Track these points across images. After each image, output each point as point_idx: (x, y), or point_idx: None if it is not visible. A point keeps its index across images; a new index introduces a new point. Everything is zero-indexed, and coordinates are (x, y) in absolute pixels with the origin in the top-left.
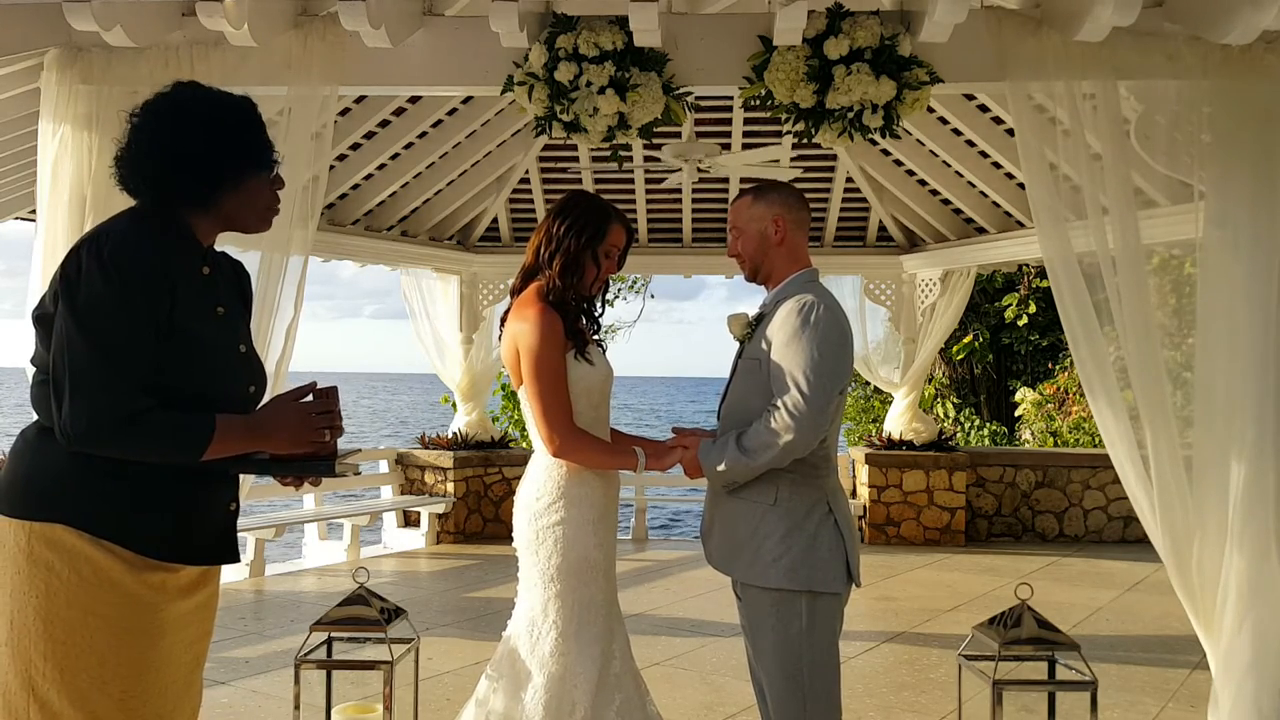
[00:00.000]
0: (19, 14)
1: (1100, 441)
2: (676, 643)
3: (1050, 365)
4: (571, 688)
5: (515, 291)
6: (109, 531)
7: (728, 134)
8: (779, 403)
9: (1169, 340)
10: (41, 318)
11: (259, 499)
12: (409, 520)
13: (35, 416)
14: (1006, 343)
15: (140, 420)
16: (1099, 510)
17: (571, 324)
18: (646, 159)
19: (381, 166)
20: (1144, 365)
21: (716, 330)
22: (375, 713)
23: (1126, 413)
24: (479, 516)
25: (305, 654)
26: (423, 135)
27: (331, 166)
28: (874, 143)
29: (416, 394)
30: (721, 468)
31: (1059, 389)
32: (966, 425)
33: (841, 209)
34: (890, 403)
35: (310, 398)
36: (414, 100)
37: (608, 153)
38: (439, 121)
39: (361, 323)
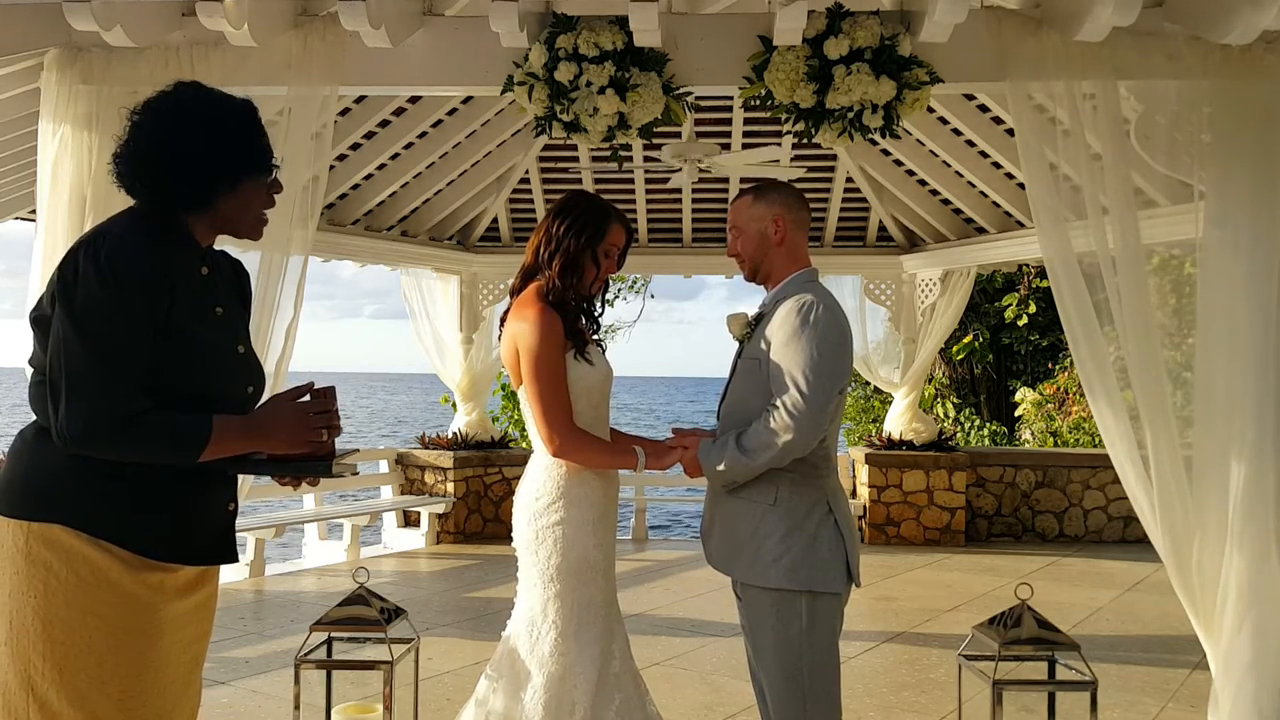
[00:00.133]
0: (19, 14)
1: (1100, 441)
2: (676, 643)
3: (1050, 365)
4: (571, 688)
5: (515, 291)
6: (107, 532)
7: (728, 134)
8: (778, 402)
9: (1169, 340)
10: (39, 319)
11: (259, 499)
12: (409, 520)
13: (33, 417)
14: (1006, 343)
15: (137, 422)
16: (1099, 510)
17: (571, 324)
18: (646, 159)
19: (381, 166)
20: (1144, 365)
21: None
22: (375, 713)
23: (1126, 413)
24: (479, 516)
25: (305, 654)
26: (423, 135)
27: (331, 166)
28: (874, 143)
29: (415, 394)
30: (721, 467)
31: (1059, 389)
32: (966, 425)
33: (841, 209)
34: (890, 403)
35: (307, 398)
36: (414, 100)
37: (608, 153)
38: (439, 121)
39: (361, 323)
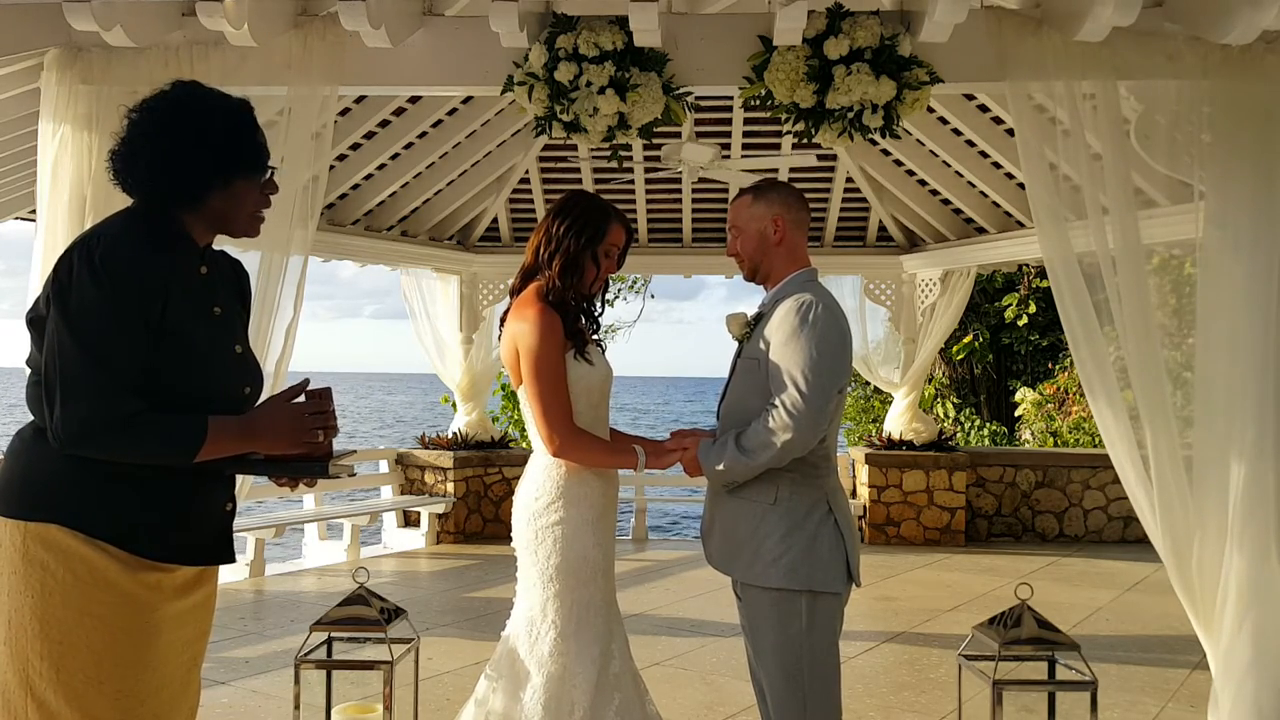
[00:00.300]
0: (19, 14)
1: (1100, 441)
2: (676, 643)
3: (1050, 365)
4: (570, 688)
5: (515, 291)
6: (104, 532)
7: (728, 134)
8: (777, 402)
9: (1169, 340)
10: (35, 320)
11: (258, 499)
12: (409, 520)
13: (31, 417)
14: (1006, 343)
15: (132, 423)
16: (1099, 510)
17: (571, 324)
18: (647, 159)
19: (381, 166)
20: (1144, 365)
21: (716, 330)
22: (375, 713)
23: (1126, 413)
24: (479, 516)
25: (305, 654)
26: (423, 135)
27: (331, 166)
28: (874, 143)
29: (414, 394)
30: (720, 467)
31: (1059, 389)
32: (966, 425)
33: (841, 209)
34: (890, 403)
35: (303, 398)
36: (414, 100)
37: (608, 153)
38: (439, 121)
39: (361, 323)
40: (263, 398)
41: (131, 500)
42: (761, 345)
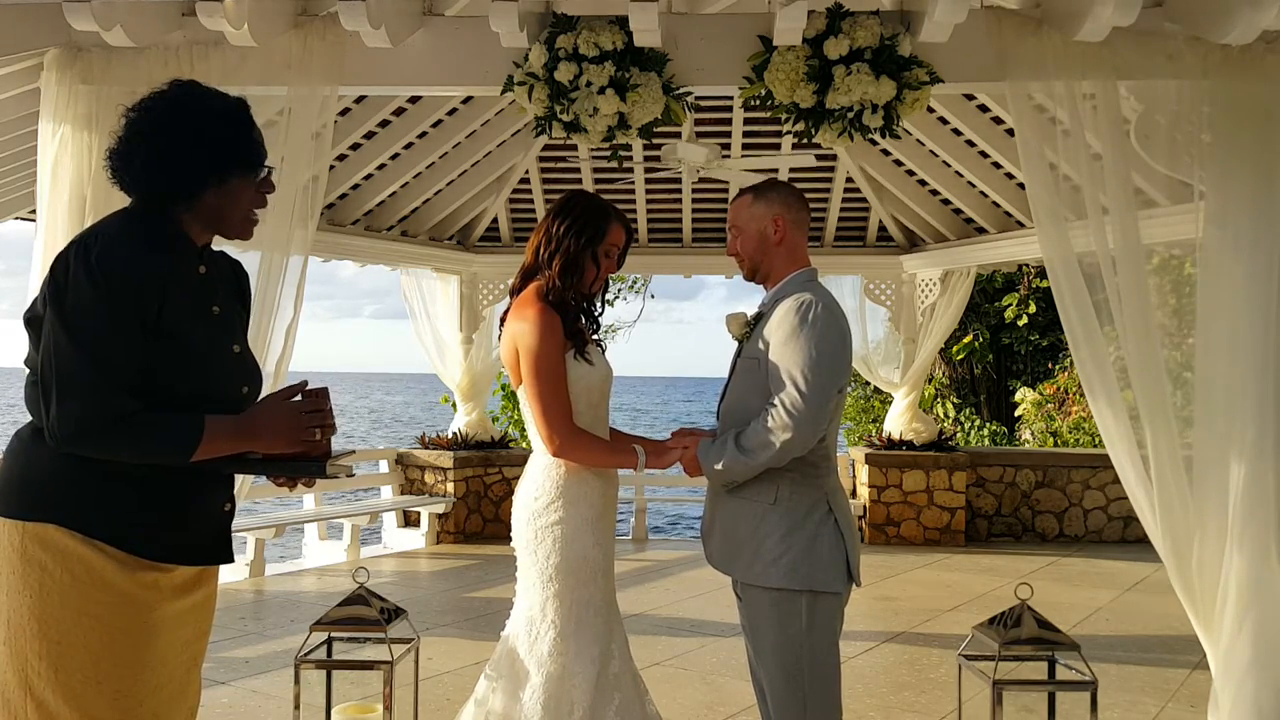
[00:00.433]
0: (19, 14)
1: (1100, 441)
2: (676, 643)
3: (1050, 365)
4: (570, 687)
5: (515, 291)
6: (102, 531)
7: (728, 134)
8: (777, 401)
9: (1169, 340)
10: (32, 320)
11: (258, 499)
12: (409, 520)
13: (28, 416)
14: (1006, 343)
15: (128, 422)
16: (1099, 510)
17: (571, 324)
18: (647, 159)
19: (381, 166)
20: (1144, 365)
21: (715, 330)
22: (375, 713)
23: (1126, 413)
24: (479, 516)
25: (305, 654)
26: (423, 135)
27: (331, 166)
28: (874, 143)
29: (413, 394)
30: (720, 466)
31: (1059, 389)
32: (966, 425)
33: (841, 209)
34: (890, 403)
35: (299, 397)
36: (414, 100)
37: (608, 153)
38: (439, 121)
39: (361, 323)
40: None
41: (130, 500)
42: (761, 345)
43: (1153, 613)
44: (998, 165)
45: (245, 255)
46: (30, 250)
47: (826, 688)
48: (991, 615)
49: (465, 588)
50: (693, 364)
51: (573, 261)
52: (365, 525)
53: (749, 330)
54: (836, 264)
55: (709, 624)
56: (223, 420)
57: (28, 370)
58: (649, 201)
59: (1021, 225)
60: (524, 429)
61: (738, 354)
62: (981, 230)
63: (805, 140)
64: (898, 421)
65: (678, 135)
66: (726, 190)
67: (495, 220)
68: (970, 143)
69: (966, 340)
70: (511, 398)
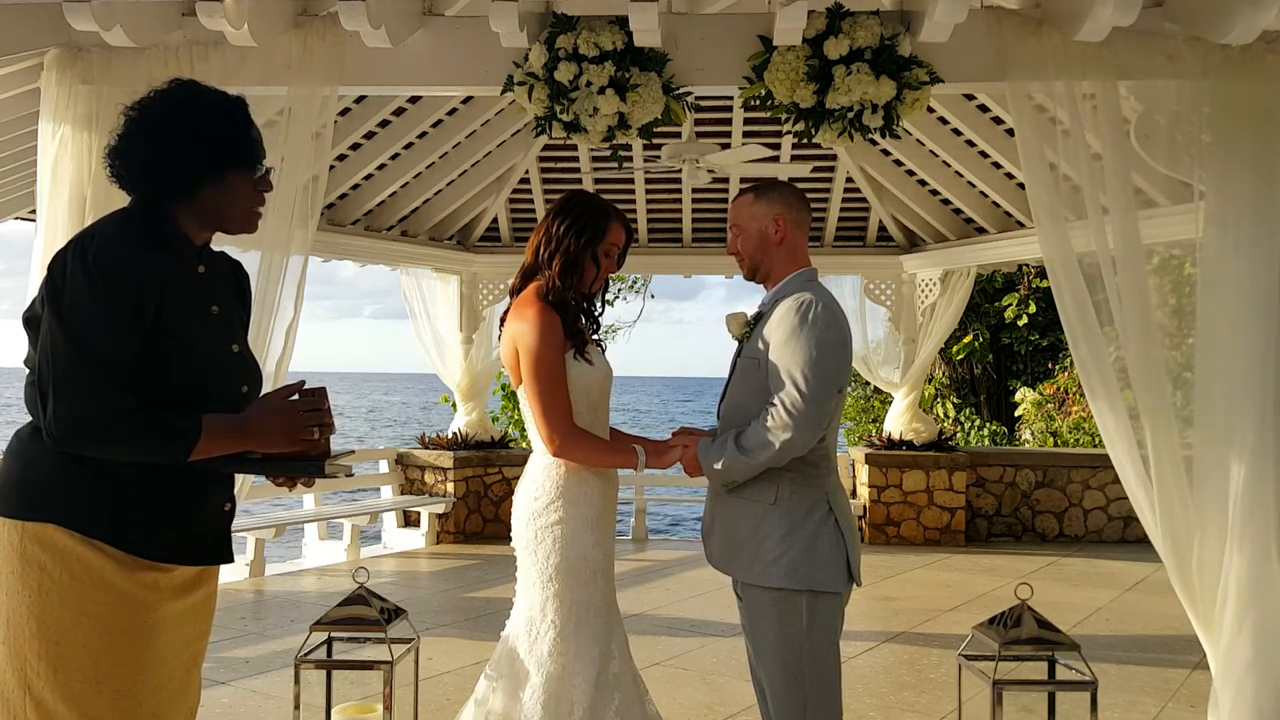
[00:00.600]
0: (19, 14)
1: (1100, 441)
2: (676, 643)
3: (1050, 365)
4: (570, 687)
5: (515, 291)
6: (101, 531)
7: (728, 134)
8: (777, 401)
9: (1169, 340)
10: (31, 320)
11: (258, 499)
12: (409, 520)
13: (27, 416)
14: (1006, 343)
15: (125, 421)
16: (1099, 510)
17: (571, 324)
18: (647, 159)
19: (381, 166)
20: (1144, 365)
21: (715, 330)
22: (375, 713)
23: (1126, 413)
24: (479, 516)
25: (305, 654)
26: (423, 135)
27: (331, 166)
28: (874, 143)
29: (412, 394)
30: (719, 466)
31: (1059, 389)
32: (966, 425)
33: (841, 209)
34: (890, 403)
35: (297, 397)
36: (414, 100)
37: (608, 153)
38: (439, 121)
39: (361, 323)
40: None
41: (129, 500)
42: (761, 345)
43: (1153, 613)
44: (998, 165)
45: (245, 255)
46: (30, 250)
47: (827, 688)
48: (991, 615)
49: (465, 588)
50: (693, 364)
51: (573, 261)
52: (365, 525)
53: (749, 330)
54: (836, 264)
55: (709, 624)
56: (221, 419)
57: (27, 370)
58: (649, 201)
59: (1021, 225)
60: (524, 429)
61: (738, 354)
62: (981, 230)
63: (805, 140)
64: (898, 421)
65: (678, 135)
66: (727, 190)
67: (495, 220)
68: (970, 143)
69: (966, 340)
70: (511, 398)
